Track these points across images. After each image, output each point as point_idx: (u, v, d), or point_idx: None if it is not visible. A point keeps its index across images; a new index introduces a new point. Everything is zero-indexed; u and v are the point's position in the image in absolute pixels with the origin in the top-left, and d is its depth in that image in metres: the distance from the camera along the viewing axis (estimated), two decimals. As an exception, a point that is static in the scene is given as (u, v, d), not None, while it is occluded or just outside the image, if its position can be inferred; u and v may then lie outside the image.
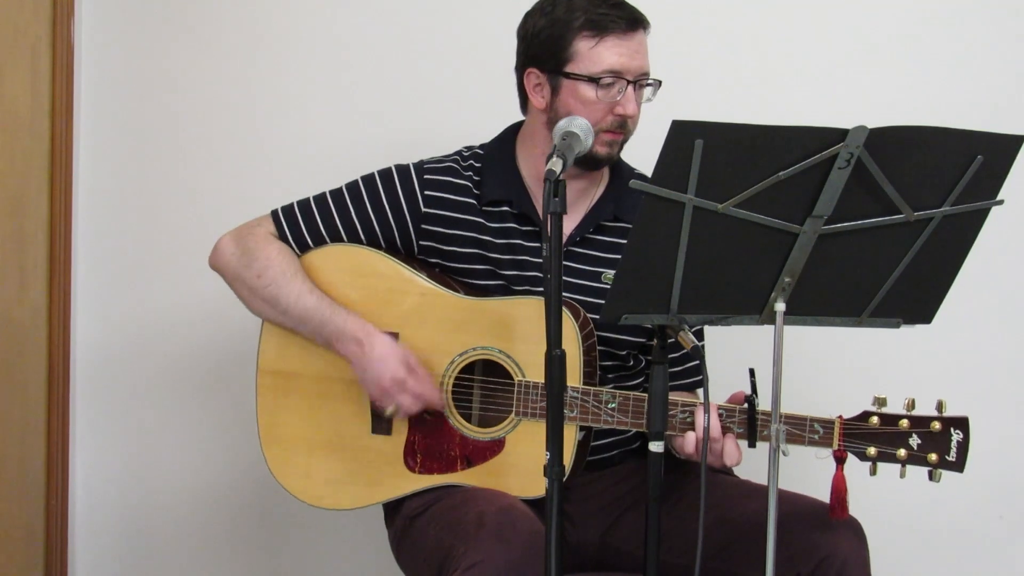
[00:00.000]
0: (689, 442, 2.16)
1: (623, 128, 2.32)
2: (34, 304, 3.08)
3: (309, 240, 2.42)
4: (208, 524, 3.19)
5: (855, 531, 2.20)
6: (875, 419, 2.12)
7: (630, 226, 2.34)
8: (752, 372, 2.09)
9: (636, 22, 2.29)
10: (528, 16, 2.37)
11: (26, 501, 3.08)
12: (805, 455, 2.15)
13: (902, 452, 2.11)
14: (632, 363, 2.44)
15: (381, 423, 2.37)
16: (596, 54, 2.27)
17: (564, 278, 2.31)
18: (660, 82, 2.33)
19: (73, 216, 3.14)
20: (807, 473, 2.24)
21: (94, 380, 3.19)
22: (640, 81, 2.31)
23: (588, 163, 2.33)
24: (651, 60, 2.33)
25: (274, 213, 2.45)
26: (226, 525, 3.18)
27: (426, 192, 2.40)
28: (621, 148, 2.37)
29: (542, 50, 2.32)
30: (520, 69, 2.39)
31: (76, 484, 3.20)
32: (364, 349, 2.30)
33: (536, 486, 2.23)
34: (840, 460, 2.11)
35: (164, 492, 3.20)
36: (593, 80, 2.27)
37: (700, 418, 2.15)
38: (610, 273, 2.37)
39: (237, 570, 3.19)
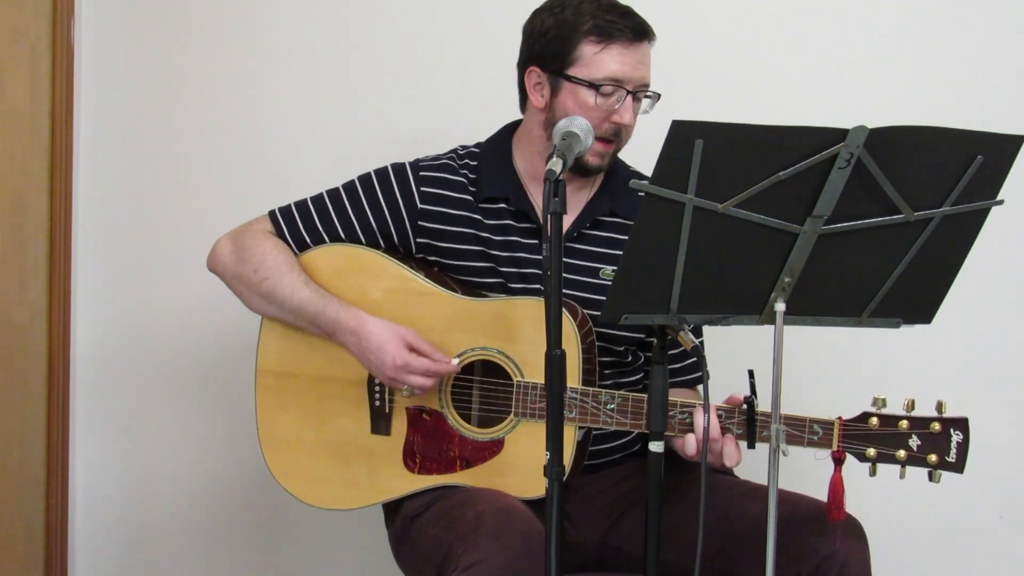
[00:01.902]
0: (689, 444, 2.16)
1: (617, 136, 2.33)
2: (34, 304, 3.08)
3: (308, 240, 2.42)
4: (208, 524, 3.19)
5: (856, 531, 2.20)
6: (874, 420, 2.12)
7: (627, 222, 2.36)
8: (751, 373, 2.09)
9: (643, 33, 2.30)
10: (535, 14, 2.37)
11: (26, 501, 3.08)
12: (805, 455, 2.15)
13: (901, 453, 2.11)
14: (630, 359, 2.44)
15: (380, 423, 2.37)
16: (600, 60, 2.28)
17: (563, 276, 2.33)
18: (659, 95, 2.33)
19: (73, 216, 3.14)
20: (807, 473, 2.24)
21: (94, 380, 3.19)
22: (639, 92, 2.31)
23: (577, 170, 2.33)
24: (654, 60, 2.34)
25: (272, 214, 2.46)
26: (226, 525, 3.18)
27: (422, 189, 2.41)
28: (612, 159, 2.38)
29: (546, 50, 2.32)
30: (522, 66, 2.39)
31: (76, 484, 3.20)
32: (360, 339, 2.30)
33: (535, 486, 2.23)
34: (838, 461, 2.11)
35: (164, 492, 3.20)
36: (594, 86, 2.28)
37: (699, 419, 2.15)
38: (608, 269, 2.37)
39: (237, 570, 3.19)
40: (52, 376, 3.12)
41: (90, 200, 3.16)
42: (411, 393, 2.31)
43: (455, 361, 2.30)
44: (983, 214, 1.92)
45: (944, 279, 1.98)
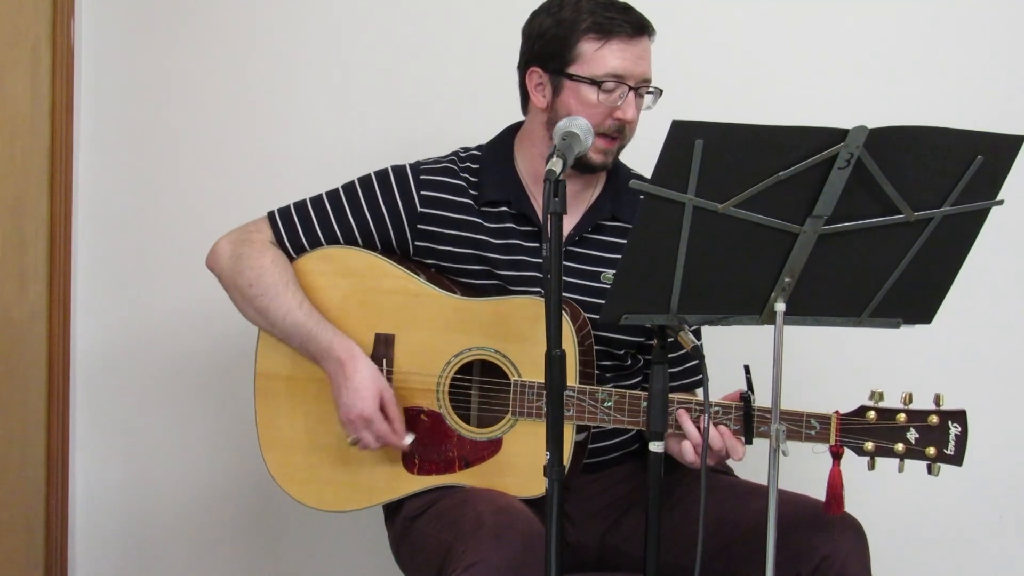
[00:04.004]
0: (687, 450, 2.16)
1: (620, 133, 2.33)
2: (34, 304, 3.08)
3: (305, 243, 2.42)
4: (208, 524, 3.19)
5: (855, 531, 2.20)
6: (872, 414, 2.12)
7: (628, 225, 2.35)
8: (747, 369, 2.09)
9: (642, 28, 2.30)
10: (534, 16, 2.37)
11: (26, 501, 3.08)
12: (804, 456, 2.15)
13: (900, 446, 2.11)
14: (630, 362, 2.44)
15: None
16: (600, 57, 2.28)
17: (563, 278, 2.32)
18: (661, 91, 2.33)
19: (73, 216, 3.14)
20: (807, 473, 2.24)
21: (94, 380, 3.19)
22: (641, 88, 2.31)
23: (582, 168, 2.33)
24: (653, 60, 2.34)
25: (270, 215, 2.45)
26: (226, 525, 3.18)
27: (422, 192, 2.41)
28: (616, 156, 2.38)
29: (546, 50, 2.32)
30: (523, 68, 2.39)
31: (76, 484, 3.20)
32: (345, 372, 2.30)
33: (534, 485, 2.23)
34: (836, 455, 2.11)
35: (164, 492, 3.20)
36: (595, 83, 2.28)
37: (685, 422, 2.14)
38: (609, 273, 2.37)
39: (237, 570, 3.19)
40: (52, 376, 3.12)
41: (90, 200, 3.16)
42: (353, 443, 2.32)
43: (407, 441, 2.31)
44: (983, 214, 1.92)
45: (944, 279, 1.98)
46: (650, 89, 2.33)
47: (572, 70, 2.30)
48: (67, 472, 3.17)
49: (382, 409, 2.29)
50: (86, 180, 3.16)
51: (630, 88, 2.29)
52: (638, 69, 2.30)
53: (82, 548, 3.23)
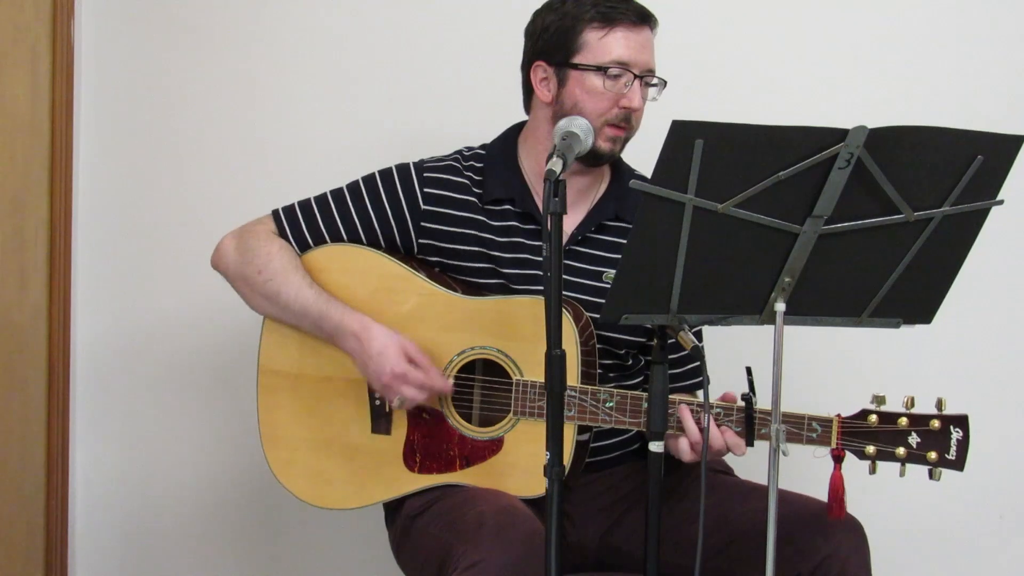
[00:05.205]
0: (684, 448, 2.16)
1: (627, 122, 2.33)
2: (34, 304, 3.08)
3: (310, 240, 2.42)
4: (208, 524, 3.19)
5: (856, 531, 2.20)
6: (874, 417, 2.11)
7: (631, 226, 2.35)
8: (749, 371, 2.08)
9: (645, 18, 2.32)
10: (537, 14, 2.39)
11: (26, 501, 3.08)
12: (805, 455, 2.15)
13: (901, 451, 2.10)
14: (631, 362, 2.44)
15: (381, 423, 2.37)
16: (604, 44, 2.29)
17: (565, 277, 2.32)
18: (665, 82, 2.34)
19: (73, 216, 3.14)
20: (807, 473, 2.24)
21: (94, 380, 3.19)
22: (646, 77, 2.32)
23: (590, 159, 2.33)
24: (654, 60, 2.34)
25: (275, 213, 2.46)
26: (226, 525, 3.18)
27: (426, 190, 2.41)
28: (623, 145, 2.38)
29: (550, 43, 2.34)
30: (526, 65, 2.40)
31: (76, 484, 3.20)
32: (363, 344, 2.30)
33: (535, 485, 2.23)
34: (838, 459, 2.11)
35: (164, 492, 3.20)
36: (601, 70, 2.29)
37: (686, 417, 2.14)
38: (611, 273, 2.37)
39: (237, 570, 3.19)
40: (52, 376, 3.12)
41: (90, 200, 3.16)
42: (401, 404, 2.31)
43: (451, 382, 2.31)
44: (983, 214, 1.92)
45: (944, 279, 1.98)
46: (654, 80, 2.33)
47: (577, 60, 2.31)
48: (67, 472, 3.17)
49: (411, 362, 2.29)
50: (86, 180, 3.16)
51: (635, 76, 2.30)
52: (642, 57, 2.31)
53: (82, 548, 3.23)
